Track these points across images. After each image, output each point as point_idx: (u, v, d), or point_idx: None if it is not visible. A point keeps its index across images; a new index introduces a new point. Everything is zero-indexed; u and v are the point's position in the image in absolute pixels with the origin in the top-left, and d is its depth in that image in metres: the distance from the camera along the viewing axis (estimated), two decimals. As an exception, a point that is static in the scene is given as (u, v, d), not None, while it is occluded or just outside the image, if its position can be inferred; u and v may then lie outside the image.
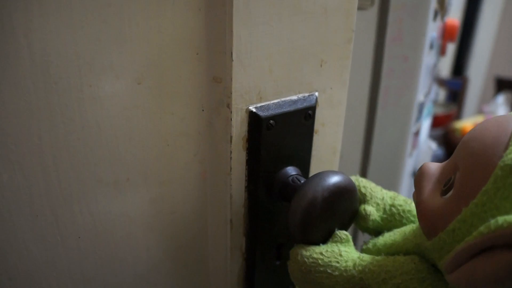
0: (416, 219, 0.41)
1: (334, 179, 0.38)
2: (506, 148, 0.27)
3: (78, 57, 0.33)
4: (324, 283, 0.36)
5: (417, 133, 1.07)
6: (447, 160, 0.33)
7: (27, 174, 0.33)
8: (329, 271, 0.36)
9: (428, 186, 0.33)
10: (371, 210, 0.41)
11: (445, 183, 0.31)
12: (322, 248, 0.38)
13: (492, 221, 0.26)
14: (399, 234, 0.38)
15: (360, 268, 0.36)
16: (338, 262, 0.36)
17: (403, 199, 0.42)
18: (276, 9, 0.37)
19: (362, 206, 0.42)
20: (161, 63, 0.36)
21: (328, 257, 0.37)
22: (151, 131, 0.38)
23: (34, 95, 0.32)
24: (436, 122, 2.10)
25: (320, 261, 0.37)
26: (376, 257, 0.36)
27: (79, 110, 0.34)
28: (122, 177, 0.38)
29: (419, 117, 1.04)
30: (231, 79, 0.37)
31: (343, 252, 0.37)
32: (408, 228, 0.38)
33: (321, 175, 0.38)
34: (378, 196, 0.42)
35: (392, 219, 0.41)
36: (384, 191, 0.43)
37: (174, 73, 0.37)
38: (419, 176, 0.34)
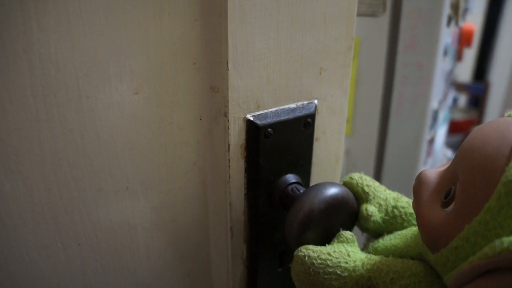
0: None
1: (331, 191, 0.38)
2: (508, 161, 0.26)
3: (76, 70, 0.34)
4: (333, 284, 0.35)
5: (431, 141, 1.05)
6: (447, 167, 0.32)
7: (28, 184, 0.34)
8: (338, 272, 0.35)
9: (428, 197, 0.32)
10: (373, 211, 0.40)
11: (446, 195, 0.30)
12: (329, 248, 0.37)
13: (497, 243, 0.25)
14: (400, 239, 0.38)
15: (368, 267, 0.35)
16: (347, 263, 0.36)
17: (407, 200, 0.41)
18: (273, 18, 0.38)
19: (364, 206, 0.40)
20: (159, 74, 0.37)
21: (337, 258, 0.36)
22: (150, 140, 0.39)
23: (34, 107, 0.33)
24: (457, 127, 2.07)
25: (329, 262, 0.35)
26: (385, 257, 0.36)
27: (78, 121, 0.35)
28: (122, 186, 0.39)
29: (433, 124, 1.03)
30: (228, 88, 0.38)
31: (350, 252, 0.36)
32: (409, 233, 0.38)
33: (318, 186, 0.38)
34: (381, 196, 0.41)
35: (393, 221, 0.40)
36: (388, 191, 0.42)
37: (171, 83, 0.38)
38: (417, 185, 0.33)
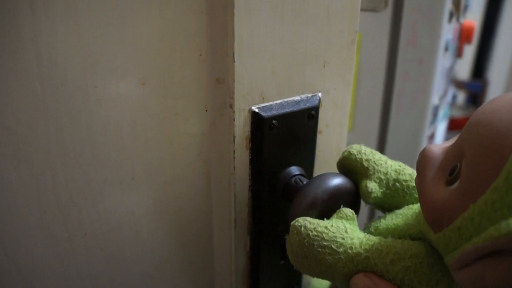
0: None
1: (335, 181, 0.38)
2: None
3: (84, 60, 0.34)
4: (326, 259, 0.34)
5: (432, 137, 1.06)
6: (453, 142, 0.31)
7: (35, 173, 0.35)
8: (333, 246, 0.34)
9: (432, 173, 0.31)
10: (372, 187, 0.39)
11: (451, 171, 0.29)
12: (327, 222, 0.36)
13: (503, 224, 0.24)
14: (401, 218, 0.37)
15: (367, 247, 0.34)
16: (343, 238, 0.34)
17: (409, 173, 0.40)
18: (278, 11, 0.38)
19: (364, 182, 0.39)
20: (165, 65, 0.37)
21: (334, 232, 0.35)
22: (156, 131, 0.39)
23: (41, 97, 0.33)
24: (455, 125, 2.07)
25: (324, 235, 0.34)
26: (384, 239, 0.34)
27: (85, 111, 0.35)
28: (127, 176, 0.39)
29: (434, 120, 1.03)
30: (233, 80, 0.38)
31: (348, 229, 0.35)
32: (410, 212, 0.37)
33: (322, 177, 0.39)
34: (382, 170, 0.39)
35: (395, 195, 0.39)
36: (390, 162, 0.40)
37: (177, 75, 0.38)
38: (421, 161, 0.32)
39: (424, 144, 1.01)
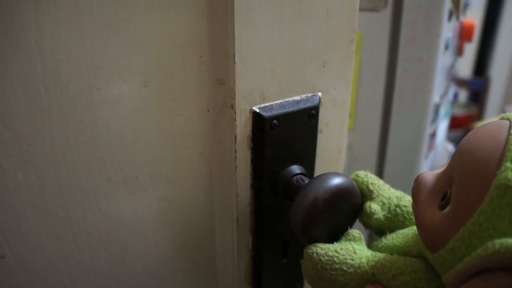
0: None
1: (336, 181, 0.39)
2: (500, 164, 0.27)
3: (87, 62, 0.34)
4: (340, 280, 0.37)
5: (433, 135, 1.06)
6: (444, 169, 0.33)
7: (40, 173, 0.35)
8: (344, 268, 0.37)
9: (425, 199, 0.33)
10: (376, 208, 0.41)
11: (442, 197, 0.32)
12: (336, 246, 0.38)
13: (489, 244, 0.26)
14: (401, 238, 0.39)
15: (372, 263, 0.36)
16: (353, 260, 0.37)
17: (409, 199, 0.42)
18: (277, 12, 0.39)
19: (368, 203, 0.42)
20: (167, 66, 0.38)
21: (343, 255, 0.37)
22: (158, 132, 0.40)
23: (46, 99, 0.34)
24: (457, 123, 2.07)
25: (335, 259, 0.37)
26: (389, 255, 0.37)
27: (89, 112, 0.36)
28: (131, 176, 0.40)
29: (435, 119, 1.04)
30: (234, 80, 0.38)
31: (357, 250, 0.38)
32: (410, 232, 0.39)
33: (323, 176, 0.39)
34: (385, 195, 0.42)
35: (395, 220, 0.42)
36: (392, 190, 0.43)
37: (179, 76, 0.39)
38: (415, 187, 0.35)
39: (425, 142, 1.01)
